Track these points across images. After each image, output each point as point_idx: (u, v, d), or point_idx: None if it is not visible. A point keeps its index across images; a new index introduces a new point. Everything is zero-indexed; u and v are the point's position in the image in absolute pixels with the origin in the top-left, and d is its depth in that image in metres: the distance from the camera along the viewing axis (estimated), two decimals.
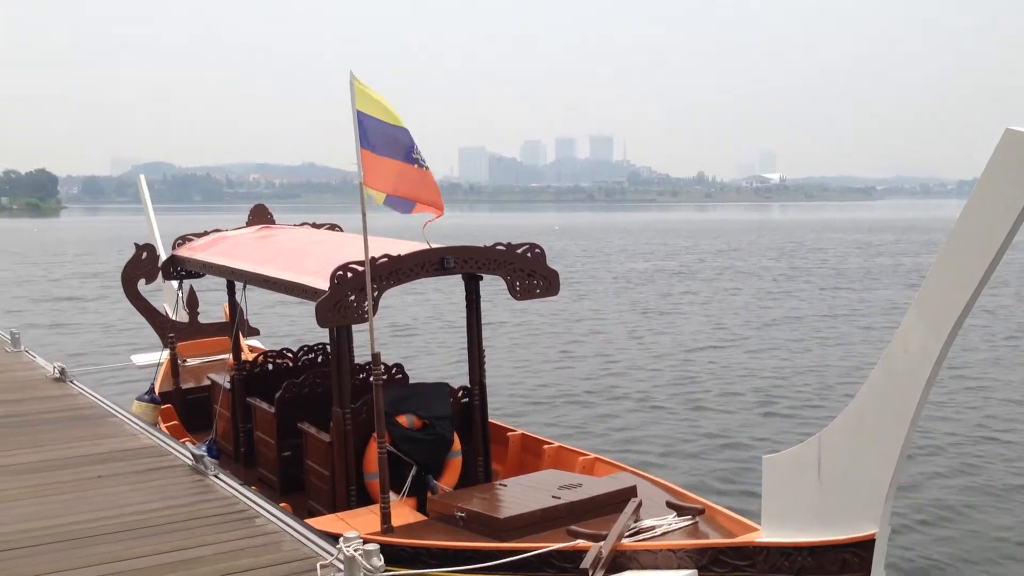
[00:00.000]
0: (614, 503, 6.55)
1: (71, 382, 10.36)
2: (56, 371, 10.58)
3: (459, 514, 6.63)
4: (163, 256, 11.91)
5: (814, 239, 71.37)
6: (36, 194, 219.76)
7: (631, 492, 6.77)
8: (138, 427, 8.55)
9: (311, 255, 8.50)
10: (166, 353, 11.99)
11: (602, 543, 5.51)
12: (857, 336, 23.48)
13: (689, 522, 6.18)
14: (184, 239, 10.85)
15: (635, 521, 6.11)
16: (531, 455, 8.90)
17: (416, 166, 6.74)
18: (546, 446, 8.79)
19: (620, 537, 5.68)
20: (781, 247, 61.68)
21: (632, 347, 22.20)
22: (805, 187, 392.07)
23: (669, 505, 6.46)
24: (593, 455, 8.45)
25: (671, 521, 6.17)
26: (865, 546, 4.90)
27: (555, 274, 8.11)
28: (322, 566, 5.05)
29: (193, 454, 7.26)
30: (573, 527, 6.05)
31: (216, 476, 6.95)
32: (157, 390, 11.21)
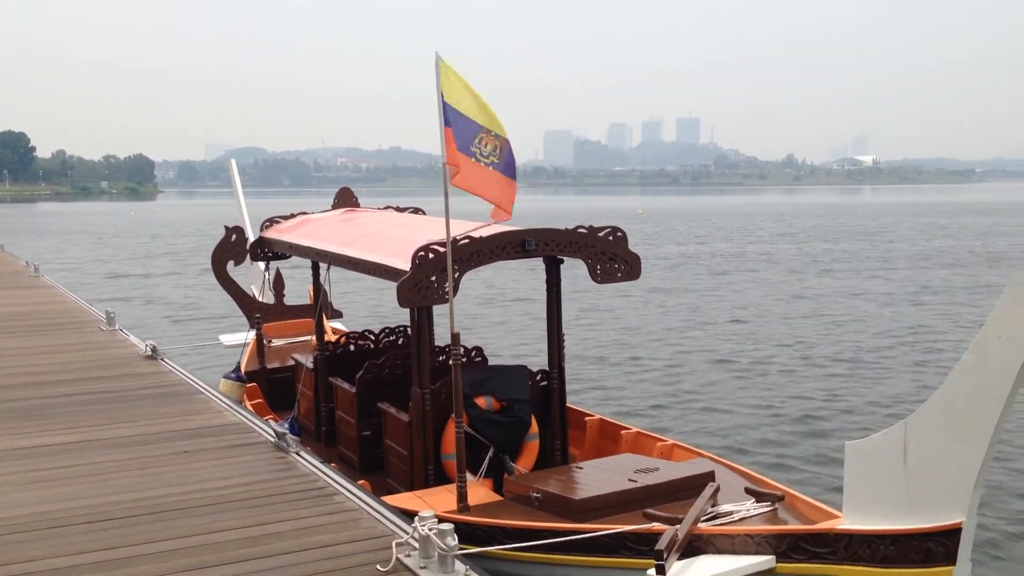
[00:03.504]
0: (691, 488, 6.47)
1: (162, 360, 10.69)
2: (148, 349, 10.93)
3: (535, 495, 6.63)
4: (251, 238, 12.17)
5: (906, 223, 69.26)
6: (134, 178, 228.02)
7: (709, 477, 6.68)
8: (224, 404, 8.78)
9: (394, 237, 8.59)
10: (252, 333, 12.28)
11: (678, 526, 5.45)
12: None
13: (768, 508, 6.07)
14: (271, 221, 11.06)
15: (712, 506, 6.03)
16: (609, 440, 8.85)
17: (475, 161, 6.71)
18: (624, 431, 8.73)
19: (696, 521, 5.61)
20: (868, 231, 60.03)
21: (715, 334, 21.90)
22: (900, 169, 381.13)
23: (747, 491, 6.35)
24: (671, 441, 8.36)
25: (749, 507, 6.07)
26: (951, 535, 4.74)
27: (637, 258, 8.03)
28: (398, 544, 5.11)
29: (276, 432, 7.43)
30: (649, 510, 6.00)
31: (297, 454, 7.10)
32: (243, 369, 11.49)
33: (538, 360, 12.45)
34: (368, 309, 24.93)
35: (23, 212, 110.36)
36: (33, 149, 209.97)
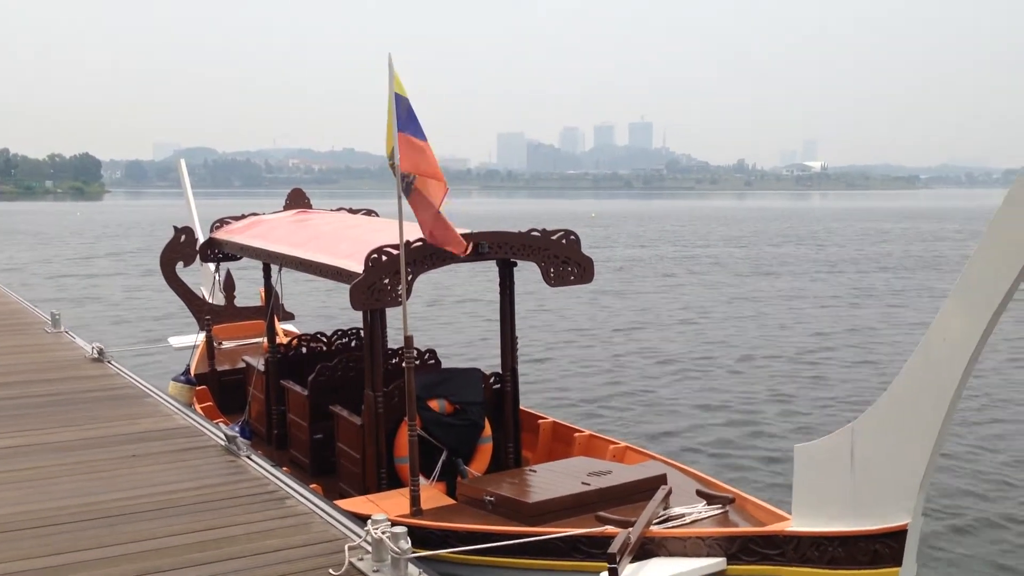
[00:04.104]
0: (644, 490, 6.53)
1: (109, 362, 10.51)
2: (95, 351, 10.74)
3: (488, 498, 6.64)
4: (201, 239, 12.03)
5: (844, 228, 70.52)
6: (80, 178, 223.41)
7: (661, 480, 6.75)
8: (173, 408, 8.66)
9: (346, 238, 8.54)
10: (202, 335, 12.13)
11: (630, 529, 5.49)
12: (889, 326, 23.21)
13: (719, 511, 6.15)
14: (222, 222, 10.94)
15: (664, 509, 6.09)
16: (562, 443, 8.89)
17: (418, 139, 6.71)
18: (577, 434, 8.78)
19: (649, 524, 5.66)
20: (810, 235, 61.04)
21: (664, 337, 22.10)
22: (847, 175, 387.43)
23: (699, 493, 6.43)
24: (624, 443, 8.42)
25: (700, 509, 6.14)
26: (897, 537, 4.84)
27: (590, 261, 8.07)
28: (350, 547, 5.09)
29: (226, 435, 7.34)
30: (602, 513, 6.05)
31: (248, 457, 7.03)
32: (193, 371, 11.35)
33: (490, 363, 12.48)
34: (320, 311, 24.75)
35: None
36: None
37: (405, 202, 6.89)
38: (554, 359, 18.97)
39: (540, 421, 9.20)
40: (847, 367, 18.25)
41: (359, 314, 7.85)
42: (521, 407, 8.76)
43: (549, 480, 6.83)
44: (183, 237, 12.26)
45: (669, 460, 7.68)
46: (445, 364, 9.47)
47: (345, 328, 10.88)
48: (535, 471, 7.21)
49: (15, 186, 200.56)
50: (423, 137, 6.65)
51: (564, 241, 7.93)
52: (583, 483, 6.66)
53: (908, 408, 4.71)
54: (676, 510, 6.08)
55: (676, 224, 78.29)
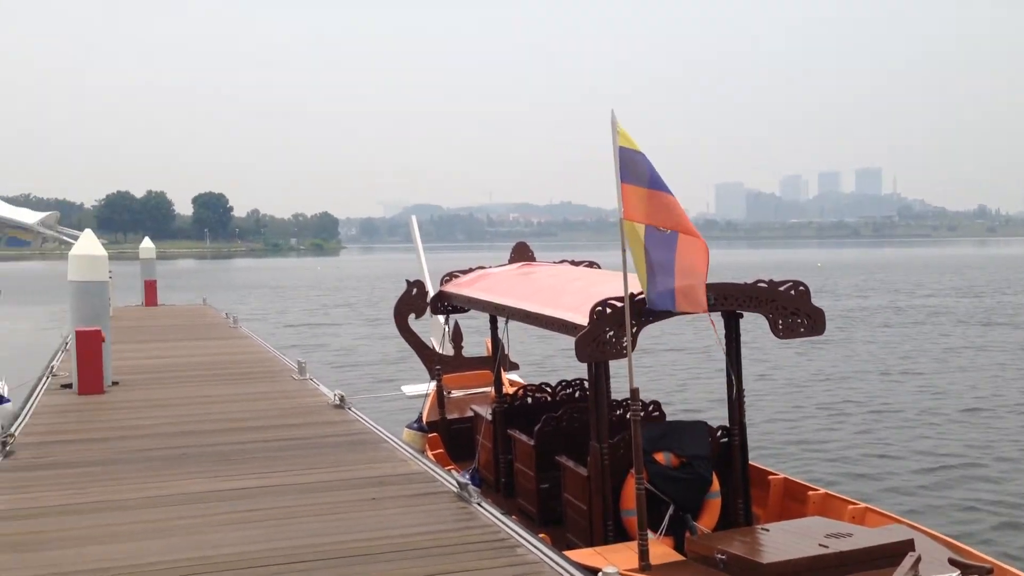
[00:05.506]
0: (888, 556, 6.11)
1: (349, 409, 11.12)
2: (336, 398, 11.40)
3: (719, 556, 6.44)
4: (431, 292, 12.53)
5: None
6: (320, 235, 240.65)
7: (908, 546, 6.29)
8: (408, 454, 9.03)
9: (570, 291, 8.64)
10: (433, 384, 12.58)
11: None
12: None
13: None
14: (450, 276, 11.36)
15: None
16: (794, 501, 8.51)
17: (665, 192, 6.68)
18: (811, 492, 8.37)
19: None
20: None
21: (901, 389, 20.77)
22: None
23: (951, 562, 5.94)
24: (864, 504, 7.95)
25: None
26: None
27: (821, 313, 7.75)
28: None
29: (458, 482, 7.55)
30: None
31: (479, 504, 7.19)
32: (424, 419, 11.77)
33: (704, 414, 12.18)
34: (542, 361, 25.11)
35: (221, 267, 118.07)
36: (231, 209, 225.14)
37: (629, 254, 6.90)
38: (771, 411, 18.28)
39: (770, 477, 8.86)
40: None
41: (581, 364, 7.90)
42: (750, 462, 8.48)
43: (784, 540, 6.53)
44: (415, 290, 12.83)
45: (915, 524, 7.17)
46: (670, 418, 9.33)
47: (569, 379, 10.97)
48: (768, 530, 6.92)
49: (264, 243, 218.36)
50: (668, 190, 6.64)
51: (793, 292, 7.66)
52: (821, 545, 6.32)
53: None
54: None
55: (906, 273, 73.88)
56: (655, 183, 6.61)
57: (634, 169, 6.66)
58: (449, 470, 8.65)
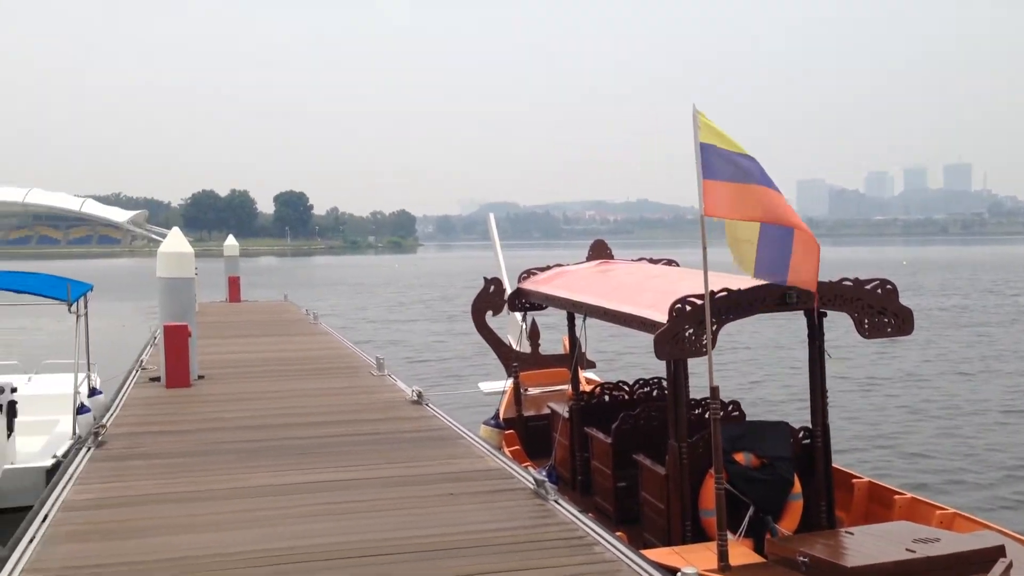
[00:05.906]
0: (978, 562, 5.92)
1: (427, 405, 11.22)
2: (414, 394, 11.51)
3: (802, 559, 6.31)
4: (508, 289, 12.56)
5: None
6: (398, 232, 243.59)
7: (999, 552, 6.08)
8: (485, 450, 9.07)
9: (649, 288, 8.57)
10: (510, 382, 12.61)
11: None
12: None
13: None
14: (528, 273, 11.37)
15: None
16: (880, 505, 8.30)
17: (770, 188, 6.55)
18: (897, 496, 8.16)
19: None
20: None
21: (994, 390, 20.10)
22: None
23: None
24: (952, 510, 7.72)
25: None
26: None
27: (909, 312, 7.54)
28: None
29: (535, 479, 7.56)
30: None
31: (556, 502, 7.18)
32: (501, 416, 11.81)
33: (781, 414, 11.92)
34: (620, 358, 24.96)
35: (301, 264, 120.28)
36: (311, 207, 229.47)
37: (710, 250, 6.82)
38: (852, 410, 17.84)
39: (855, 480, 8.66)
40: None
41: (658, 362, 7.82)
42: (833, 464, 8.30)
43: (868, 544, 6.38)
44: (492, 288, 12.87)
45: (1008, 531, 6.93)
46: (750, 418, 9.18)
47: (647, 377, 10.88)
48: (852, 533, 6.76)
49: (343, 241, 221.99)
50: (762, 182, 6.53)
51: (879, 291, 7.48)
52: (908, 549, 6.15)
53: None
54: None
55: (994, 271, 71.45)
56: (746, 176, 6.49)
57: (717, 164, 6.56)
58: (526, 467, 8.67)
